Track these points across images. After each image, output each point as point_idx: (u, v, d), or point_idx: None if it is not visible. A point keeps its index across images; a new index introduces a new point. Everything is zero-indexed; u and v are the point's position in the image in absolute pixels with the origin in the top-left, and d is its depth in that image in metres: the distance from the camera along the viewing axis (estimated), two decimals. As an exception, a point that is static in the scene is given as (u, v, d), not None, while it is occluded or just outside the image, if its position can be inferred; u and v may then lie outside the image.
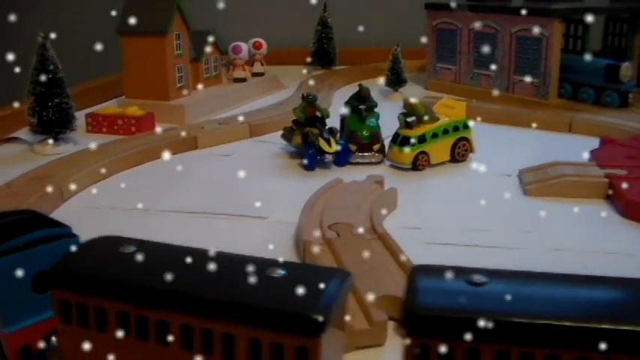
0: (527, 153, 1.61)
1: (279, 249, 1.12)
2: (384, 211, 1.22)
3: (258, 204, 1.31)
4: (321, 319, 0.56)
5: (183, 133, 1.73)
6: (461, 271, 0.61)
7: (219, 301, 0.59)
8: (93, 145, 1.59)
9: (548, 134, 1.83)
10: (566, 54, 2.06)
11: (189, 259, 0.65)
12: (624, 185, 1.29)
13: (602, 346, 0.53)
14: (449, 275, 0.60)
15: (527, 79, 2.04)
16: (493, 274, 0.61)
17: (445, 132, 1.54)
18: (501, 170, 1.50)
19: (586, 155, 1.48)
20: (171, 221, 1.26)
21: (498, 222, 1.23)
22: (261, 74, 2.45)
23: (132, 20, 1.95)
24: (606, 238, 1.17)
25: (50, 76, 1.62)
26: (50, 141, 1.67)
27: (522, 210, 1.30)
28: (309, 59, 2.67)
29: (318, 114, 1.57)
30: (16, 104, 1.49)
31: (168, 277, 0.62)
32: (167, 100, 1.99)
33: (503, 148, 1.67)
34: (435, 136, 1.53)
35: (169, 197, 1.36)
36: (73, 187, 1.40)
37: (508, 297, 0.57)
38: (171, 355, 0.62)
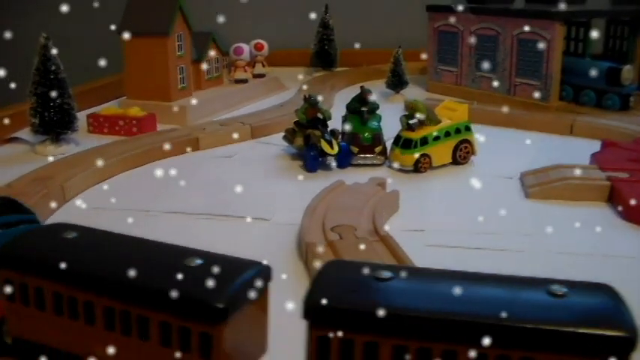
0: (529, 156, 1.61)
1: (281, 251, 1.12)
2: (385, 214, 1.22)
3: (260, 206, 1.31)
4: (222, 307, 0.58)
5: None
6: (370, 267, 0.62)
7: (136, 287, 0.63)
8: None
9: (550, 137, 1.83)
10: (567, 57, 2.06)
11: (121, 247, 0.70)
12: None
13: (498, 342, 0.53)
14: (356, 270, 0.62)
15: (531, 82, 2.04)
16: (401, 270, 0.62)
17: (447, 134, 1.54)
18: (503, 173, 1.50)
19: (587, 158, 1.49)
20: (173, 222, 1.26)
21: (500, 225, 1.23)
22: (262, 75, 2.45)
23: (134, 21, 1.96)
24: (608, 241, 1.17)
25: (52, 76, 1.62)
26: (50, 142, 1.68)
27: (524, 213, 1.31)
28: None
29: (320, 116, 1.57)
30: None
31: (96, 262, 0.67)
32: (168, 101, 1.99)
33: (505, 151, 1.67)
34: (437, 138, 1.53)
35: (171, 198, 1.36)
36: (74, 187, 1.40)
37: (409, 293, 0.58)
38: (96, 334, 0.66)
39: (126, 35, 1.78)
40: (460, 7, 2.28)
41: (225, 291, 0.60)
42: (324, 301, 0.58)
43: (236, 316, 0.60)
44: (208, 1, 2.24)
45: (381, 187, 1.34)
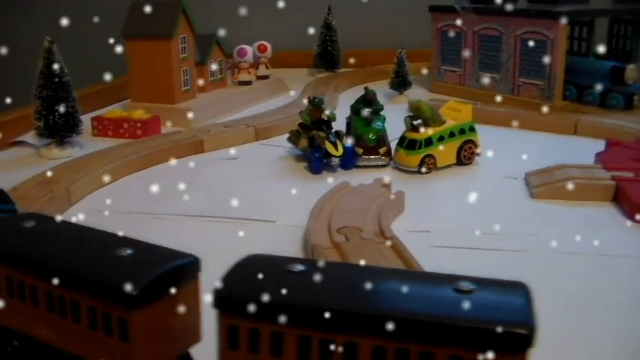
0: (533, 155, 1.61)
1: (287, 253, 1.12)
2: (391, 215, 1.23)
3: (265, 208, 1.31)
4: (135, 293, 0.61)
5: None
6: (285, 261, 0.64)
7: (63, 271, 0.66)
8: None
9: (554, 137, 1.83)
10: (570, 56, 2.06)
11: (66, 234, 0.74)
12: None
13: (396, 335, 0.55)
14: (271, 264, 0.64)
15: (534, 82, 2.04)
16: (314, 264, 0.64)
17: (451, 135, 1.54)
18: (507, 173, 1.50)
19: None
20: (180, 225, 1.27)
21: (506, 225, 1.23)
22: (266, 77, 2.45)
23: (137, 24, 1.96)
24: (613, 240, 1.17)
25: (56, 80, 1.62)
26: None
27: (529, 213, 1.31)
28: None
29: (325, 117, 1.57)
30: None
31: (36, 248, 0.70)
32: (173, 103, 2.00)
33: (509, 151, 1.66)
34: (441, 139, 1.53)
35: (177, 201, 1.36)
36: (80, 191, 1.40)
37: (316, 286, 0.60)
38: (41, 316, 0.69)
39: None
40: (460, 7, 2.28)
41: (142, 277, 0.62)
42: (232, 292, 0.60)
43: (154, 302, 0.63)
44: (211, 3, 2.24)
45: (386, 188, 1.34)
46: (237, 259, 1.12)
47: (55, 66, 1.61)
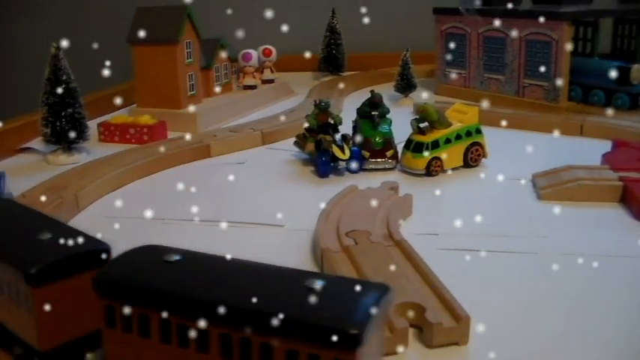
0: (540, 157, 1.61)
1: (297, 257, 1.12)
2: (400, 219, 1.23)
3: (274, 212, 1.32)
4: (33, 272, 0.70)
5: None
6: (167, 251, 0.71)
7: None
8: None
9: (560, 138, 1.83)
10: (575, 57, 2.06)
11: None
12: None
13: (233, 322, 0.60)
14: (154, 253, 0.71)
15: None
16: (189, 255, 0.70)
17: (458, 137, 1.55)
18: (514, 175, 1.50)
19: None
20: (188, 230, 1.27)
21: (514, 227, 1.24)
22: (271, 81, 2.46)
23: (143, 29, 1.97)
24: (621, 241, 1.17)
25: (63, 86, 1.63)
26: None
27: (537, 215, 1.31)
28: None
29: (331, 121, 1.58)
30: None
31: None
32: (178, 108, 2.00)
33: (515, 153, 1.66)
34: (448, 141, 1.53)
35: (184, 206, 1.36)
36: (88, 197, 1.41)
37: (181, 275, 0.66)
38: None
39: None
40: (464, 9, 2.29)
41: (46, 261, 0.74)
42: (108, 276, 0.68)
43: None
44: (217, 8, 2.24)
45: (394, 191, 1.34)
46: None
47: (62, 72, 1.62)
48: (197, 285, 0.64)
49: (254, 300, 0.60)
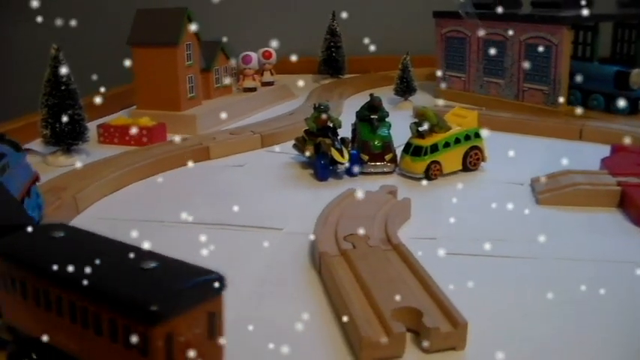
0: (539, 161, 1.61)
1: (294, 260, 1.12)
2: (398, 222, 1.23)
3: (272, 215, 1.32)
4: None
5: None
6: (58, 228, 0.78)
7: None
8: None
9: (559, 142, 1.83)
10: (575, 61, 2.06)
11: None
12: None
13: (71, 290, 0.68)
14: (52, 230, 0.78)
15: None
16: (68, 232, 0.78)
17: (457, 141, 1.55)
18: (513, 179, 1.50)
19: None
20: (187, 233, 1.27)
21: (512, 231, 1.24)
22: (270, 83, 2.46)
23: (143, 31, 1.97)
24: (620, 246, 1.17)
25: (63, 88, 1.63)
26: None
27: (535, 219, 1.31)
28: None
29: (330, 124, 1.58)
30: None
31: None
32: (178, 110, 2.00)
33: (515, 157, 1.66)
34: (447, 145, 1.53)
35: (183, 208, 1.36)
36: (87, 198, 1.41)
37: (55, 249, 0.74)
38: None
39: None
40: (464, 12, 2.29)
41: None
42: (5, 246, 0.76)
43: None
44: (217, 10, 2.25)
45: (393, 195, 1.34)
46: (243, 267, 1.13)
47: (62, 73, 1.62)
48: (57, 258, 0.71)
49: (87, 272, 0.67)
